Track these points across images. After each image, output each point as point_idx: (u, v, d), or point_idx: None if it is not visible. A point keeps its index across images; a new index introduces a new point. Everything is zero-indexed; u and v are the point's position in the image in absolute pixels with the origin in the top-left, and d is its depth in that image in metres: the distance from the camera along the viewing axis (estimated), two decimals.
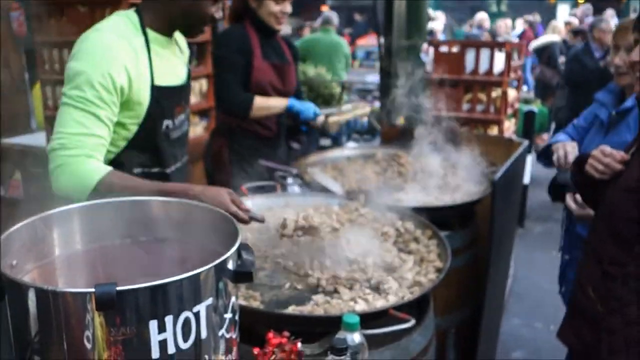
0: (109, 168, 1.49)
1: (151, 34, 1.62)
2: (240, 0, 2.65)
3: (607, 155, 1.53)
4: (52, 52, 3.21)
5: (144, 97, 1.58)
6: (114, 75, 1.49)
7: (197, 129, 3.66)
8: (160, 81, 1.62)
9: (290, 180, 2.22)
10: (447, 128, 2.39)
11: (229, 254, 0.94)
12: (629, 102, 2.04)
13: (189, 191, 1.42)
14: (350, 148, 2.68)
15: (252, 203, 1.87)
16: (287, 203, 1.94)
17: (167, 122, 1.67)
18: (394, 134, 2.83)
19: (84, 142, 1.47)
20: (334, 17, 6.47)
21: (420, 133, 2.48)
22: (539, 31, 14.36)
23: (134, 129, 1.60)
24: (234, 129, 2.63)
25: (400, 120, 2.89)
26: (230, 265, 0.95)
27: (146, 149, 1.65)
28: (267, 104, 2.55)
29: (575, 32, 7.97)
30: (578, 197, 1.97)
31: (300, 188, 2.18)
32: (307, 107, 2.56)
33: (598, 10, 15.19)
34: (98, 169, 1.47)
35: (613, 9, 15.85)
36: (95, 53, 1.50)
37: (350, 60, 6.43)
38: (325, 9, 20.98)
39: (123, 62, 1.51)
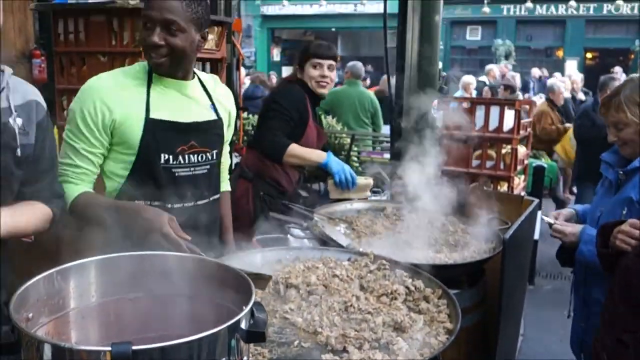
0: (84, 190, 1.74)
1: (157, 77, 1.80)
2: (294, 70, 2.90)
3: (638, 228, 1.54)
4: (71, 99, 3.28)
5: (136, 130, 1.73)
6: (91, 112, 1.71)
7: None
8: (157, 115, 1.75)
9: (300, 233, 2.24)
10: (457, 195, 2.42)
11: (242, 314, 0.95)
12: (637, 162, 2.07)
13: (133, 207, 1.66)
14: (360, 201, 2.69)
15: (262, 256, 1.88)
16: (297, 256, 1.94)
17: (165, 157, 1.76)
18: (402, 189, 2.84)
19: (67, 171, 1.74)
20: (361, 69, 6.52)
21: (428, 188, 2.50)
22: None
23: (130, 159, 1.76)
24: (263, 176, 2.75)
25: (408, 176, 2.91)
26: (244, 325, 0.96)
27: (146, 182, 1.75)
28: (302, 154, 2.70)
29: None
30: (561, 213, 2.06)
31: (310, 241, 2.19)
32: (341, 170, 2.66)
33: (607, 67, 15.44)
34: (73, 192, 1.72)
35: (620, 66, 16.11)
36: (81, 93, 1.77)
37: (380, 112, 6.41)
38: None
39: (103, 100, 1.72)
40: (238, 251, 1.91)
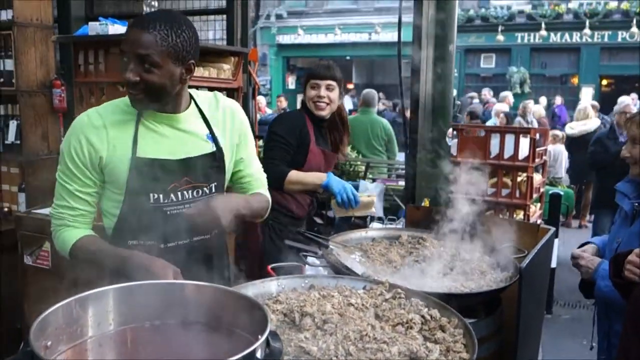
0: (83, 234, 1.70)
1: (149, 111, 1.72)
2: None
3: None
4: None
5: (122, 169, 1.68)
6: (78, 151, 1.68)
7: None
8: (146, 153, 1.68)
9: (316, 261, 2.24)
10: (473, 223, 2.41)
11: (258, 343, 0.95)
12: None
13: (138, 258, 1.59)
14: (375, 229, 2.69)
15: (277, 284, 1.88)
16: (312, 285, 1.94)
17: (155, 196, 1.70)
18: (418, 216, 2.84)
19: (64, 214, 1.72)
20: (375, 97, 6.55)
21: (445, 217, 2.50)
22: (562, 113, 14.50)
23: (120, 198, 1.71)
24: (272, 204, 2.73)
25: (425, 203, 2.92)
26: (259, 354, 0.97)
27: (137, 221, 1.70)
28: (302, 180, 2.66)
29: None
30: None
31: (326, 269, 2.19)
32: (342, 189, 2.63)
33: (623, 93, 15.37)
34: (71, 238, 1.70)
35: (636, 92, 16.02)
36: (68, 132, 1.73)
37: (394, 139, 6.42)
38: (350, 86, 21.59)
39: (88, 138, 1.67)
40: (253, 279, 1.91)
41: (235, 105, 1.95)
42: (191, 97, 1.84)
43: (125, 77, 1.62)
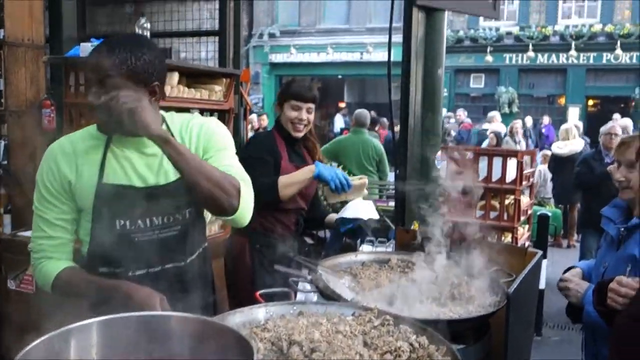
0: (64, 266, 1.67)
1: (118, 137, 1.69)
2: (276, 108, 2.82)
3: (624, 286, 1.53)
4: None
5: (88, 196, 1.66)
6: (51, 179, 1.68)
7: (213, 227, 3.70)
8: (112, 179, 1.66)
9: (305, 286, 2.21)
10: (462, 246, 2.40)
11: None
12: (637, 219, 2.05)
13: (121, 288, 1.56)
14: (364, 252, 2.67)
15: (265, 311, 1.86)
16: (301, 311, 1.92)
17: (121, 222, 1.66)
18: (408, 239, 2.83)
19: (43, 245, 1.69)
20: (367, 117, 6.55)
21: (433, 240, 2.49)
22: (550, 133, 14.62)
23: (87, 225, 1.69)
24: (256, 227, 2.67)
25: (414, 225, 2.91)
26: None
27: (105, 248, 1.66)
28: (293, 180, 2.62)
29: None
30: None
31: (315, 295, 2.16)
32: (334, 175, 2.60)
33: (608, 114, 15.54)
34: (52, 271, 1.67)
35: (621, 113, 16.20)
36: (42, 161, 1.73)
37: (385, 160, 6.40)
38: (342, 104, 21.70)
39: (59, 165, 1.68)
40: (243, 306, 1.89)
41: (208, 120, 1.87)
42: (164, 119, 1.79)
43: (89, 101, 1.62)
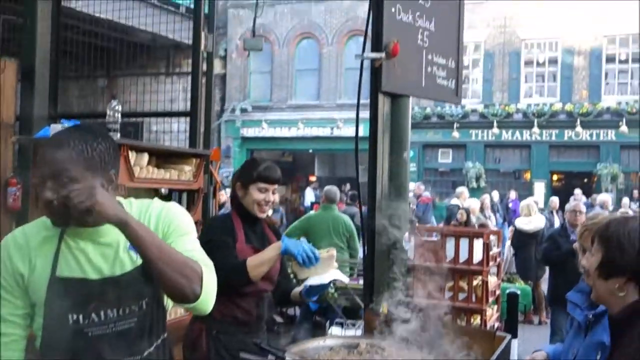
0: None
1: (72, 228, 1.62)
2: (232, 190, 2.81)
3: None
4: None
5: (40, 290, 1.60)
6: (4, 273, 1.61)
7: (180, 309, 3.62)
8: (65, 272, 1.60)
9: None
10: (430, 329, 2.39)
11: None
12: (603, 306, 2.08)
13: None
14: (333, 337, 2.64)
15: None
16: None
17: (74, 317, 1.60)
18: (377, 323, 2.81)
19: None
20: (337, 193, 6.61)
21: (402, 323, 2.48)
22: (517, 207, 14.90)
23: (40, 320, 1.62)
24: (213, 313, 2.61)
25: (383, 309, 2.89)
26: None
27: (57, 344, 1.60)
28: (261, 260, 2.57)
29: None
30: None
31: None
32: (301, 249, 2.56)
33: (573, 188, 16.01)
34: None
35: (585, 187, 16.72)
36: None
37: (356, 236, 6.41)
38: (313, 178, 21.91)
39: (12, 258, 1.62)
40: None
41: (167, 205, 1.81)
42: (121, 206, 1.72)
43: (45, 198, 1.53)
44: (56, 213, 1.55)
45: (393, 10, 2.98)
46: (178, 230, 1.74)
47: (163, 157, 3.63)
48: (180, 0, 12.56)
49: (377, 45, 2.99)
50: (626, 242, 1.67)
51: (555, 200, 12.96)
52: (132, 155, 3.21)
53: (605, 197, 12.70)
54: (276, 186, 2.83)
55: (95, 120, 4.47)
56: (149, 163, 3.40)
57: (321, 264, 2.70)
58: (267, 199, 2.76)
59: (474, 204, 10.54)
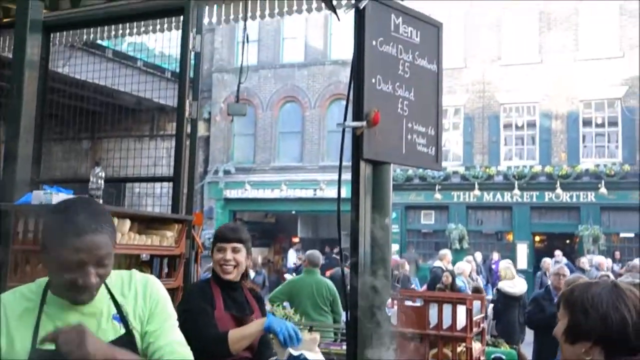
0: None
1: (53, 298, 1.64)
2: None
3: None
4: None
5: None
6: None
7: None
8: (47, 344, 1.55)
9: None
10: None
11: None
12: None
13: None
14: None
15: None
16: None
17: None
18: None
19: None
20: (319, 257, 6.62)
21: None
22: (498, 268, 14.92)
23: None
24: None
25: None
26: None
27: None
28: (243, 334, 2.56)
29: None
30: None
31: None
32: (283, 328, 2.53)
33: (554, 249, 16.13)
34: None
35: (567, 249, 16.85)
36: None
37: (339, 300, 6.37)
38: (296, 240, 21.83)
39: None
40: None
41: (150, 280, 1.84)
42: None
43: (88, 283, 1.58)
44: (79, 292, 1.59)
45: (373, 80, 3.09)
46: (163, 313, 1.78)
47: (145, 223, 3.63)
48: (165, 65, 12.82)
49: (358, 114, 3.09)
50: (590, 307, 1.71)
51: (548, 261, 13.03)
52: (114, 222, 3.21)
53: (600, 259, 12.79)
54: (235, 245, 2.81)
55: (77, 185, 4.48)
56: (130, 229, 3.39)
57: (303, 345, 2.68)
58: (226, 258, 2.76)
59: (464, 266, 10.58)
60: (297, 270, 16.70)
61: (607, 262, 11.36)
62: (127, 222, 3.35)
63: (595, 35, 18.22)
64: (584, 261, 13.72)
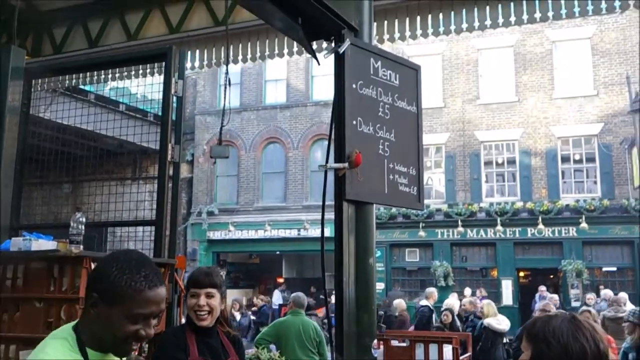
0: None
1: (91, 353, 1.61)
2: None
3: None
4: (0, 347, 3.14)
5: None
6: None
7: None
8: None
9: None
10: None
11: None
12: None
13: None
14: None
15: None
16: None
17: None
18: None
19: None
20: (304, 299, 6.58)
21: None
22: None
23: None
24: None
25: None
26: None
27: None
28: None
29: None
30: None
31: None
32: None
33: (538, 285, 16.15)
34: None
35: (551, 283, 16.90)
36: None
37: (324, 342, 6.33)
38: (281, 280, 21.63)
39: None
40: None
41: None
42: None
43: (149, 334, 1.63)
44: (135, 343, 1.64)
45: (354, 122, 3.13)
46: None
47: None
48: (148, 108, 12.87)
49: (340, 156, 3.12)
50: (551, 338, 1.76)
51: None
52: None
53: (608, 292, 12.66)
54: (209, 290, 2.77)
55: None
56: None
57: None
58: (200, 304, 2.71)
59: (453, 302, 10.53)
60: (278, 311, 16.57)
61: (624, 296, 11.19)
62: None
63: (569, 75, 18.70)
64: (590, 297, 13.78)
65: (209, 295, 2.75)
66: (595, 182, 18.32)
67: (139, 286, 1.59)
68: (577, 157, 18.64)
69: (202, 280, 2.77)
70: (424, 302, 10.67)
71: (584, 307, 8.69)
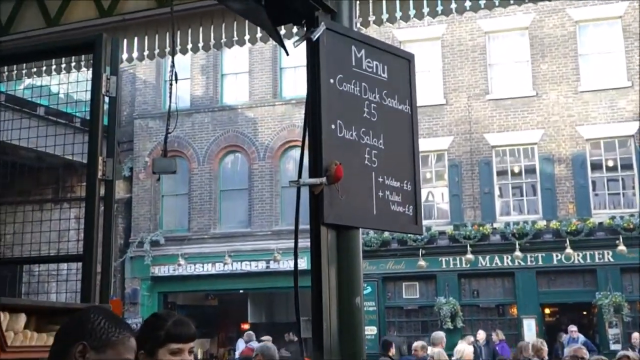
0: None
1: None
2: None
3: None
4: None
5: None
6: None
7: None
8: None
9: None
10: None
11: None
12: None
13: None
14: None
15: None
16: None
17: None
18: None
19: None
20: (275, 351, 6.63)
21: None
22: (504, 352, 14.95)
23: None
24: None
25: None
26: None
27: None
28: None
29: None
30: None
31: None
32: None
33: (568, 324, 16.22)
34: None
35: (579, 323, 17.00)
36: None
37: None
38: (246, 326, 21.46)
39: None
40: None
41: None
42: None
43: None
44: None
45: (333, 126, 3.13)
46: None
47: (46, 316, 3.51)
48: (73, 111, 12.75)
49: (316, 169, 3.11)
50: None
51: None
52: (3, 318, 3.10)
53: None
54: (192, 344, 2.78)
55: None
56: (26, 326, 3.27)
57: None
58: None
59: (465, 348, 10.52)
60: None
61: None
62: (22, 318, 3.23)
63: (598, 63, 19.00)
64: (635, 337, 13.93)
65: (191, 350, 2.76)
66: (634, 194, 18.53)
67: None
68: (611, 164, 18.86)
69: (186, 333, 2.75)
70: (430, 351, 10.46)
71: (622, 352, 8.74)
